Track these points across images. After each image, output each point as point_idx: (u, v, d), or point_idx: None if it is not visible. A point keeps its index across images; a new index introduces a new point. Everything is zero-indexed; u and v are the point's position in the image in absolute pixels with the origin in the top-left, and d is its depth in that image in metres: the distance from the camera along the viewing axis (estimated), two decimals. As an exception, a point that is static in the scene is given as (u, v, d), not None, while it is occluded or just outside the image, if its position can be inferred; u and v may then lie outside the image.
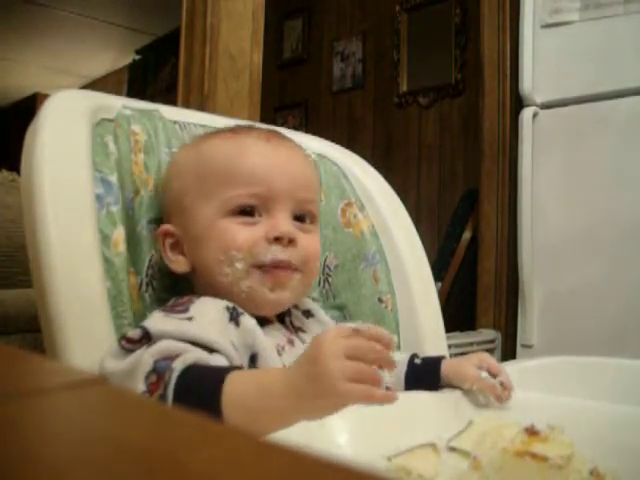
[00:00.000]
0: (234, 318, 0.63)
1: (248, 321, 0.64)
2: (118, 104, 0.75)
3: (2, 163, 1.77)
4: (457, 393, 0.69)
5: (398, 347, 0.87)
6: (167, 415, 0.24)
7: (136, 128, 0.75)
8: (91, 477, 0.17)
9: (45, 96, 0.74)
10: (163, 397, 0.51)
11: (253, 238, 0.65)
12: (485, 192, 2.19)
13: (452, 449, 0.52)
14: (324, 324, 0.77)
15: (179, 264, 0.69)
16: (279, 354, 0.66)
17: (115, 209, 0.68)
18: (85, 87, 4.89)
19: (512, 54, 2.09)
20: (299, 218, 0.70)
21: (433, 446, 0.51)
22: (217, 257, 0.66)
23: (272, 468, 0.18)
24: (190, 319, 0.60)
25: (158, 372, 0.53)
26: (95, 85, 5.13)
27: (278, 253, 0.66)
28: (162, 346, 0.56)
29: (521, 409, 0.66)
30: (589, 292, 1.83)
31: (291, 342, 0.70)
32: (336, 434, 0.53)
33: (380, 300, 0.88)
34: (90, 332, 0.61)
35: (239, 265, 0.65)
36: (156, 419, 0.23)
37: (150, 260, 0.72)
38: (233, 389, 0.51)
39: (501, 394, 0.68)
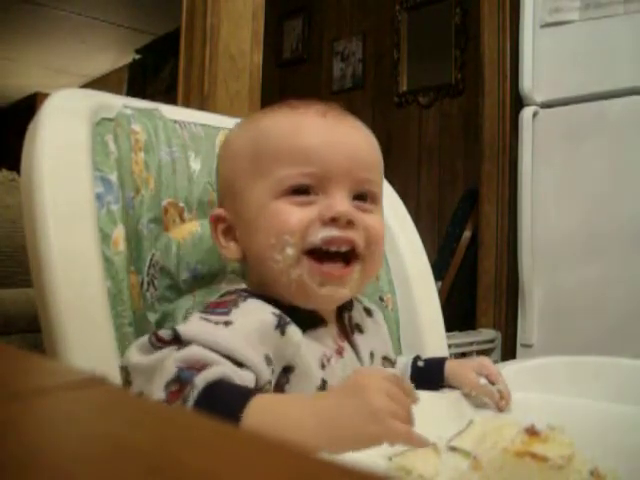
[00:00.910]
0: (281, 325, 0.58)
1: (294, 332, 0.59)
2: (118, 103, 0.75)
3: (2, 163, 1.77)
4: (457, 393, 0.69)
5: (398, 347, 0.87)
6: (167, 415, 0.24)
7: (136, 127, 0.74)
8: (91, 476, 0.17)
9: (45, 96, 0.74)
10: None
11: (308, 219, 0.60)
12: (485, 192, 2.19)
13: (452, 449, 0.52)
14: (380, 327, 0.75)
15: (230, 251, 0.65)
16: (323, 366, 0.62)
17: (115, 208, 0.68)
18: (85, 87, 4.89)
19: (512, 54, 2.10)
20: (359, 197, 0.63)
21: (433, 446, 0.51)
22: (269, 241, 0.60)
23: (272, 468, 0.18)
24: (227, 324, 0.56)
25: (180, 382, 0.50)
26: (95, 85, 5.14)
27: (331, 232, 0.59)
28: (189, 353, 0.52)
29: (521, 409, 0.66)
30: (589, 292, 1.83)
31: (340, 352, 0.65)
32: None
33: (381, 299, 0.88)
34: (90, 332, 0.61)
35: (290, 251, 0.59)
36: (156, 419, 0.23)
37: (151, 259, 0.72)
38: (254, 413, 0.47)
39: (499, 402, 0.67)
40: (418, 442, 0.47)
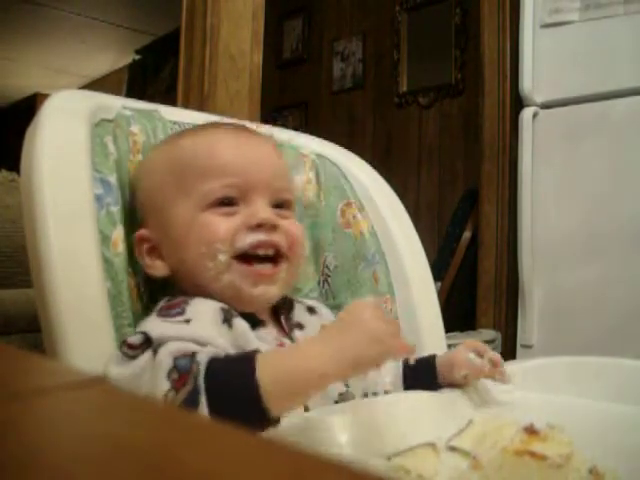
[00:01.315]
0: (227, 320, 0.62)
1: (240, 324, 0.63)
2: (118, 104, 0.75)
3: (2, 163, 1.77)
4: (456, 393, 0.69)
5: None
6: (167, 414, 0.24)
7: (135, 129, 0.74)
8: (91, 476, 0.17)
9: (45, 96, 0.74)
10: (194, 390, 0.50)
11: (235, 227, 0.65)
12: (485, 192, 2.19)
13: (452, 449, 0.52)
14: (327, 321, 0.76)
15: (157, 269, 0.68)
16: None
17: (115, 209, 0.68)
18: (85, 87, 4.89)
19: (512, 54, 2.09)
20: (277, 206, 0.69)
21: (433, 446, 0.51)
22: (199, 251, 0.64)
23: (272, 467, 0.18)
24: (188, 321, 0.60)
25: (179, 369, 0.52)
26: (95, 85, 5.13)
27: (259, 236, 0.65)
28: (174, 346, 0.55)
29: (521, 409, 0.66)
30: (589, 292, 1.83)
31: (282, 346, 0.68)
32: (336, 434, 0.53)
33: (380, 300, 0.88)
34: (90, 332, 0.61)
35: (222, 257, 0.64)
36: (156, 419, 0.23)
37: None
38: (266, 362, 0.51)
39: (493, 371, 0.69)
40: (412, 351, 0.55)
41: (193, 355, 0.53)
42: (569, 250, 1.88)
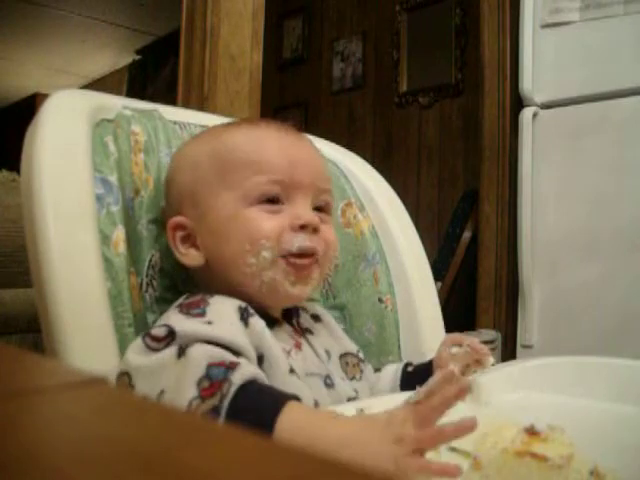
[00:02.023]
0: (244, 318, 0.62)
1: (257, 322, 0.62)
2: (118, 104, 0.75)
3: (2, 163, 1.77)
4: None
5: (398, 347, 0.87)
6: (167, 415, 0.24)
7: (136, 128, 0.74)
8: (90, 476, 0.17)
9: (45, 96, 0.74)
10: (217, 408, 0.49)
11: (280, 226, 0.65)
12: (485, 192, 2.19)
13: (452, 449, 0.52)
14: (333, 327, 0.77)
15: (191, 258, 0.67)
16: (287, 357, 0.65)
17: (115, 209, 0.68)
18: (85, 87, 4.89)
19: (512, 54, 2.09)
20: (318, 208, 0.70)
21: (433, 446, 0.51)
22: (242, 247, 0.64)
23: (272, 468, 0.18)
24: (210, 323, 0.59)
25: (211, 379, 0.51)
26: (95, 85, 5.14)
27: (305, 241, 0.65)
28: (205, 350, 0.53)
29: (521, 409, 0.66)
30: (589, 292, 1.83)
31: (298, 346, 0.68)
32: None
33: (380, 300, 0.88)
34: (90, 332, 0.61)
35: (266, 254, 0.64)
36: (156, 419, 0.23)
37: (150, 260, 0.72)
38: (291, 417, 0.48)
39: (479, 358, 0.70)
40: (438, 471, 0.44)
41: (228, 369, 0.51)
42: (569, 250, 1.88)
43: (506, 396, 0.71)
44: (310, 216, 0.66)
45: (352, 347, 0.77)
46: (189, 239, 0.68)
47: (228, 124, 0.74)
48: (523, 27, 1.96)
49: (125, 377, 0.56)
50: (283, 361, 0.62)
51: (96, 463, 0.18)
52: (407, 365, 0.77)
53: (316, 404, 0.63)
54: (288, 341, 0.68)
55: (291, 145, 0.69)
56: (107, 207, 0.67)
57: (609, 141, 1.83)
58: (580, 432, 0.47)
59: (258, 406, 0.50)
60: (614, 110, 1.82)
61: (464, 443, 0.51)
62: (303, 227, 0.65)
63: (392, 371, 0.77)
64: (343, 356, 0.75)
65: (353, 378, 0.73)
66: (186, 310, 0.61)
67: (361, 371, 0.75)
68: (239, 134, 0.69)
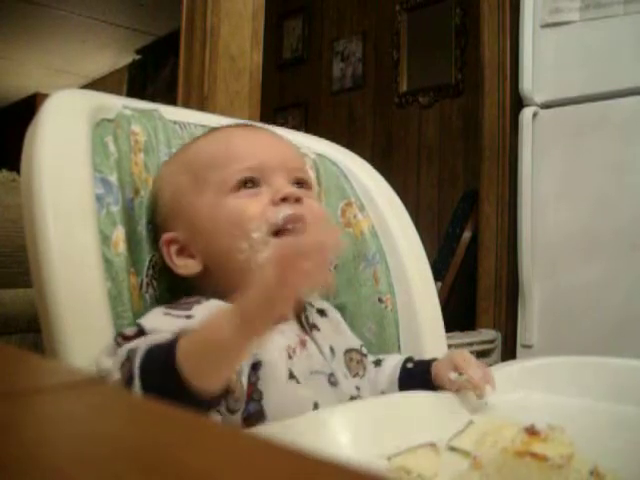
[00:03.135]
0: None
1: None
2: (118, 104, 0.75)
3: (2, 163, 1.77)
4: (452, 393, 0.69)
5: (398, 347, 0.87)
6: (166, 415, 0.24)
7: (136, 128, 0.74)
8: (90, 476, 0.17)
9: (45, 96, 0.74)
10: (131, 378, 0.51)
11: (262, 205, 0.66)
12: (485, 192, 2.19)
13: (452, 449, 0.52)
14: (338, 323, 0.77)
15: (189, 267, 0.68)
16: (290, 357, 0.65)
17: (115, 209, 0.68)
18: (85, 87, 4.89)
19: (512, 54, 2.09)
20: (296, 184, 0.71)
21: (433, 446, 0.51)
22: (231, 234, 0.65)
23: (272, 468, 0.18)
24: (189, 317, 0.60)
25: (130, 358, 0.53)
26: (95, 85, 5.13)
27: (289, 210, 0.66)
28: (141, 339, 0.55)
29: (521, 409, 0.66)
30: (589, 292, 1.83)
31: (303, 343, 0.68)
32: (336, 434, 0.53)
33: (380, 300, 0.87)
34: (90, 332, 0.60)
35: (256, 235, 0.64)
36: (155, 419, 0.23)
37: (150, 260, 0.72)
38: (184, 341, 0.49)
39: (474, 391, 0.67)
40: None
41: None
42: (569, 250, 1.88)
43: (506, 396, 0.71)
44: (289, 188, 0.68)
45: (356, 342, 0.77)
46: (184, 251, 0.68)
47: (194, 138, 0.76)
48: (523, 27, 1.96)
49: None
50: (281, 367, 0.62)
51: (96, 463, 0.18)
52: (407, 361, 0.76)
53: (316, 406, 0.63)
54: (293, 338, 0.67)
55: (254, 136, 0.73)
56: (107, 207, 0.67)
57: (609, 141, 1.83)
58: (580, 432, 0.47)
59: (159, 353, 0.51)
60: (614, 110, 1.82)
61: (464, 443, 0.51)
62: (284, 199, 0.66)
63: (392, 366, 0.76)
64: (347, 352, 0.74)
65: (356, 375, 0.73)
66: (172, 307, 0.62)
67: (364, 368, 0.75)
68: (202, 141, 0.72)
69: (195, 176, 0.68)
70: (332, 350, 0.72)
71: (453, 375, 0.68)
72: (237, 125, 0.75)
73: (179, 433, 0.21)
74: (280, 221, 0.65)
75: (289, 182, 0.69)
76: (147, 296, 0.71)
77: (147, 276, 0.71)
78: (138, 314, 0.68)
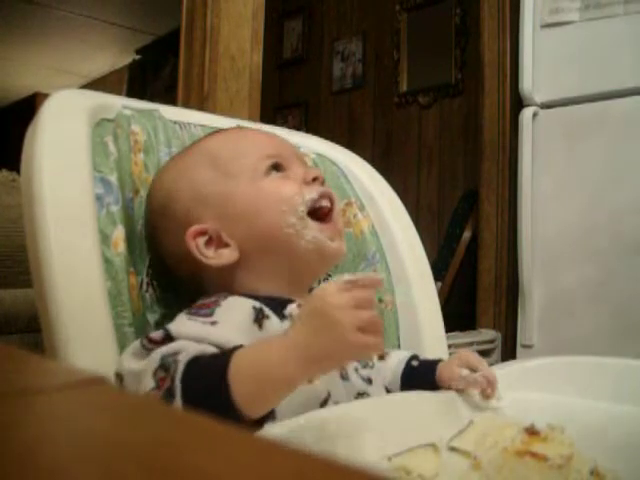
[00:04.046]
0: (258, 320, 0.62)
1: (270, 325, 0.62)
2: (118, 104, 0.75)
3: (2, 163, 1.77)
4: (453, 393, 0.69)
5: (398, 347, 0.87)
6: (167, 415, 0.24)
7: (136, 128, 0.74)
8: (90, 477, 0.17)
9: (45, 96, 0.74)
10: (171, 389, 0.50)
11: (297, 185, 0.68)
12: (485, 192, 2.19)
13: (452, 449, 0.52)
14: None
15: (223, 257, 0.67)
16: None
17: (115, 209, 0.68)
18: (85, 87, 4.89)
19: (512, 54, 2.09)
20: None
21: (433, 446, 0.51)
22: (279, 210, 0.66)
23: (272, 468, 0.18)
24: (214, 323, 0.59)
25: (165, 367, 0.52)
26: (95, 85, 5.13)
27: (321, 188, 0.69)
28: (174, 345, 0.54)
29: (521, 409, 0.66)
30: (589, 292, 1.83)
31: None
32: (337, 434, 0.53)
33: (380, 300, 0.87)
34: (90, 332, 0.60)
35: (301, 210, 0.67)
36: (156, 419, 0.23)
37: (150, 260, 0.72)
38: (238, 366, 0.50)
39: (486, 388, 0.68)
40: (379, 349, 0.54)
41: (178, 353, 0.53)
42: (569, 250, 1.88)
43: (506, 396, 0.71)
44: (315, 170, 0.72)
45: None
46: (212, 242, 0.67)
47: (199, 139, 0.77)
48: (523, 27, 1.96)
49: (118, 378, 0.56)
50: None
51: (96, 463, 0.18)
52: (412, 359, 0.76)
53: (325, 402, 0.62)
54: None
55: (263, 132, 0.76)
56: (107, 207, 0.67)
57: (609, 141, 1.83)
58: (580, 432, 0.47)
59: (206, 372, 0.51)
60: (614, 110, 1.82)
61: (464, 443, 0.51)
62: (315, 179, 0.70)
63: (396, 361, 0.76)
64: None
65: (366, 366, 0.74)
66: (195, 311, 0.61)
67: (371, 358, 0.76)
68: (215, 138, 0.73)
69: (217, 167, 0.69)
70: None
71: (465, 371, 0.69)
72: (239, 126, 0.78)
73: (180, 433, 0.21)
74: (316, 196, 0.68)
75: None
76: (147, 295, 0.71)
77: (147, 275, 0.71)
78: (138, 314, 0.68)
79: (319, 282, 0.78)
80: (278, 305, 0.65)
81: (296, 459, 0.19)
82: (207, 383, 0.50)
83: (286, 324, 0.62)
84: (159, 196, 0.71)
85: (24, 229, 0.63)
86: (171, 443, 0.20)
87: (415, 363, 0.75)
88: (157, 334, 0.57)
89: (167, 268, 0.71)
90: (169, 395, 0.50)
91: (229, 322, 0.59)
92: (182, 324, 0.59)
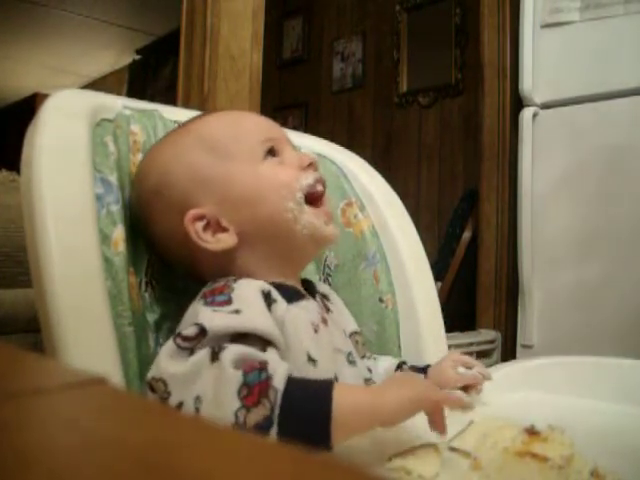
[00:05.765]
0: (268, 303, 0.62)
1: (279, 307, 0.63)
2: (118, 104, 0.75)
3: (2, 163, 1.77)
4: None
5: (398, 347, 0.87)
6: (167, 415, 0.24)
7: (135, 128, 0.74)
8: (90, 477, 0.17)
9: (45, 96, 0.74)
10: (269, 418, 0.49)
11: (293, 170, 0.69)
12: (485, 192, 2.19)
13: (452, 449, 0.52)
14: (341, 309, 0.79)
15: (222, 241, 0.66)
16: (315, 331, 0.65)
17: (115, 209, 0.67)
18: (85, 87, 4.89)
19: (512, 54, 2.10)
20: None
21: (433, 446, 0.51)
22: (279, 196, 0.67)
23: (272, 468, 0.18)
24: (237, 312, 0.58)
25: (249, 385, 0.50)
26: (95, 85, 5.14)
27: (315, 173, 0.70)
28: (237, 353, 0.53)
29: (521, 409, 0.66)
30: (589, 292, 1.83)
31: (325, 322, 0.68)
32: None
33: (380, 300, 0.87)
34: (90, 332, 0.60)
35: (298, 195, 0.67)
36: (156, 419, 0.23)
37: (150, 259, 0.72)
38: (341, 411, 0.50)
39: (482, 383, 0.71)
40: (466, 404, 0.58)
41: (261, 371, 0.51)
42: (569, 250, 1.88)
43: (506, 396, 0.71)
44: (309, 155, 0.72)
45: (356, 326, 0.79)
46: (210, 226, 0.67)
47: (185, 122, 0.75)
48: (523, 27, 1.96)
49: (160, 383, 0.54)
50: (302, 350, 0.62)
51: (96, 463, 0.18)
52: (400, 365, 0.77)
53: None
54: (316, 316, 0.68)
55: (257, 115, 0.76)
56: (107, 206, 0.67)
57: (609, 141, 1.83)
58: (580, 432, 0.47)
59: (307, 410, 0.51)
60: (614, 110, 1.82)
61: (464, 443, 0.51)
62: (310, 165, 0.71)
63: (387, 364, 0.77)
64: (352, 334, 0.76)
65: (363, 357, 0.75)
66: (211, 299, 0.60)
67: (367, 350, 0.77)
68: (210, 121, 0.72)
69: (214, 150, 0.68)
70: (343, 331, 0.74)
71: (462, 369, 0.71)
72: (232, 110, 0.79)
73: (180, 433, 0.21)
74: (312, 181, 0.69)
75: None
76: (146, 295, 0.71)
77: (146, 275, 0.71)
78: (137, 313, 0.68)
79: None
80: (283, 289, 0.65)
81: (295, 459, 0.19)
82: (308, 424, 0.50)
83: (292, 308, 0.64)
84: (154, 177, 0.70)
85: (24, 229, 0.63)
86: (171, 443, 0.20)
87: (405, 367, 0.77)
88: (190, 330, 0.56)
89: (160, 248, 0.71)
90: (265, 424, 0.49)
91: (250, 308, 0.60)
92: (210, 318, 0.57)
